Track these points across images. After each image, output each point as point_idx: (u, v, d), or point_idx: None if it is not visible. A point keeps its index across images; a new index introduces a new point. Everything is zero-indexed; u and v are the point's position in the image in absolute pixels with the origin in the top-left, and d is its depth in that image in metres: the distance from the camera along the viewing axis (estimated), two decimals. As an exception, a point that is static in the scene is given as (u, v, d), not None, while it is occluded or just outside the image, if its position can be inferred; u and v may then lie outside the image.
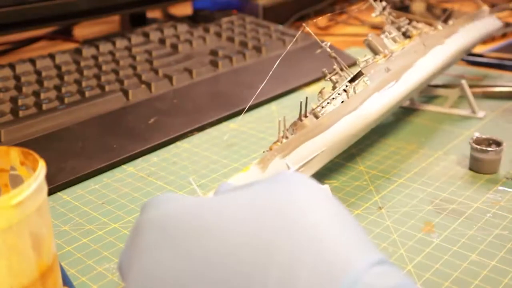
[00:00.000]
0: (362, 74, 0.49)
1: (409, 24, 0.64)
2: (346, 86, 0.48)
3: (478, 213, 0.46)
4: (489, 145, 0.53)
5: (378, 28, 1.03)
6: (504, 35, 0.93)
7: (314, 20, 1.01)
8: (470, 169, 0.53)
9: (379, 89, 0.50)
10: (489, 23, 0.76)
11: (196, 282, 0.27)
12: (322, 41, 0.52)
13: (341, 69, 0.51)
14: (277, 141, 0.44)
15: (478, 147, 0.52)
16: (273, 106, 0.70)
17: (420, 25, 0.65)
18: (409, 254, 0.42)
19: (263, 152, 0.44)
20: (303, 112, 0.47)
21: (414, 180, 0.52)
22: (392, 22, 0.63)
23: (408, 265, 0.41)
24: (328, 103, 0.48)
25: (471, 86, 0.66)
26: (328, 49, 0.52)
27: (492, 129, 0.61)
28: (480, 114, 0.64)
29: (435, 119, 0.64)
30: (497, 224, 0.45)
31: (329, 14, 1.00)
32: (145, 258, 0.29)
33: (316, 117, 0.46)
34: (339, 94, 0.48)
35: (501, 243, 0.43)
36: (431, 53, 0.59)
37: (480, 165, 0.52)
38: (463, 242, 0.43)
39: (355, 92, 0.48)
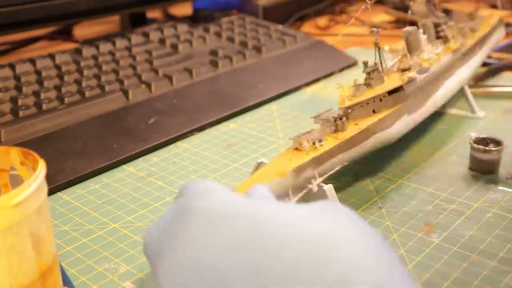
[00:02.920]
0: (403, 89, 0.49)
1: (444, 21, 0.64)
2: (384, 96, 0.49)
3: (478, 213, 0.46)
4: (489, 145, 0.53)
5: (378, 28, 1.03)
6: (505, 35, 0.93)
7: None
8: (470, 169, 0.53)
9: (409, 111, 0.51)
10: (499, 33, 0.76)
11: (244, 283, 0.26)
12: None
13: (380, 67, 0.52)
14: (309, 136, 0.44)
15: (478, 147, 0.52)
16: (273, 106, 0.70)
17: (452, 28, 0.64)
18: (409, 254, 0.42)
19: (290, 138, 0.44)
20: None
21: (414, 180, 0.52)
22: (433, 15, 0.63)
23: (408, 265, 0.41)
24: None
25: (471, 86, 0.66)
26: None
27: (492, 129, 0.61)
28: (481, 114, 0.64)
29: (435, 119, 0.64)
30: (497, 224, 0.45)
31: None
32: (188, 249, 0.28)
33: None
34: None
35: (501, 243, 0.43)
36: (456, 74, 0.59)
37: (480, 165, 0.52)
38: (463, 242, 0.43)
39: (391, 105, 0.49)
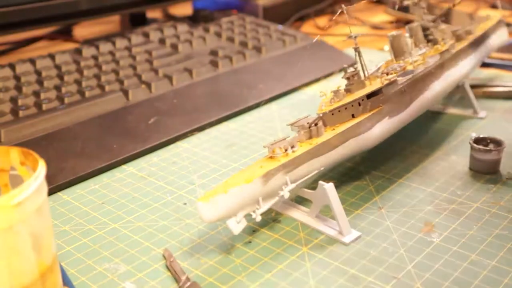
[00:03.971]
0: (381, 93, 0.49)
1: (434, 23, 0.63)
2: (362, 100, 0.48)
3: (478, 213, 0.46)
4: (489, 145, 0.53)
5: (378, 28, 1.04)
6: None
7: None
8: (470, 169, 0.53)
9: (390, 114, 0.50)
10: (502, 34, 0.74)
11: None
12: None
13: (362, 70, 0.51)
14: (280, 142, 0.43)
15: (478, 147, 0.52)
16: (273, 106, 0.70)
17: (445, 30, 0.64)
18: (409, 254, 0.42)
19: (264, 146, 0.43)
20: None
21: (414, 180, 0.52)
22: (423, 17, 0.62)
23: (408, 265, 0.41)
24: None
25: (471, 86, 0.66)
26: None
27: (492, 129, 0.61)
28: (482, 114, 0.64)
29: (435, 119, 0.64)
30: (497, 224, 0.45)
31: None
32: None
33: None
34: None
35: (501, 243, 0.43)
36: (445, 76, 0.58)
37: (480, 165, 0.52)
38: (463, 242, 0.43)
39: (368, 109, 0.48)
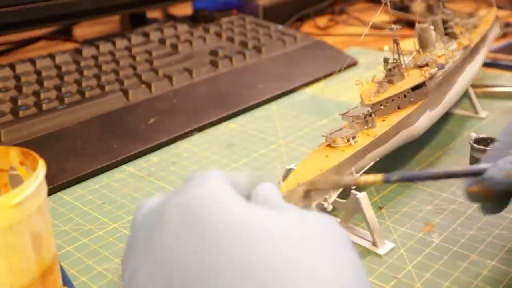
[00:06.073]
0: (425, 85, 0.50)
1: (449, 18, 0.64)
2: (408, 92, 0.50)
3: (478, 213, 0.46)
4: (489, 145, 0.53)
5: (378, 28, 1.03)
6: (504, 35, 0.93)
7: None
8: (470, 169, 0.53)
9: (431, 107, 0.52)
10: (496, 30, 0.76)
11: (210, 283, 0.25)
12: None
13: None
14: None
15: (478, 147, 0.52)
16: (273, 106, 0.70)
17: (458, 24, 0.65)
18: (409, 254, 0.42)
19: (322, 136, 0.45)
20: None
21: (414, 180, 0.52)
22: (442, 12, 0.64)
23: (408, 265, 0.41)
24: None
25: (471, 86, 0.66)
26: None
27: (492, 129, 0.61)
28: (483, 114, 0.64)
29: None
30: (497, 224, 0.45)
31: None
32: (157, 250, 0.27)
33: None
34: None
35: (501, 243, 0.43)
36: (467, 71, 0.60)
37: (480, 165, 0.52)
38: (463, 242, 0.43)
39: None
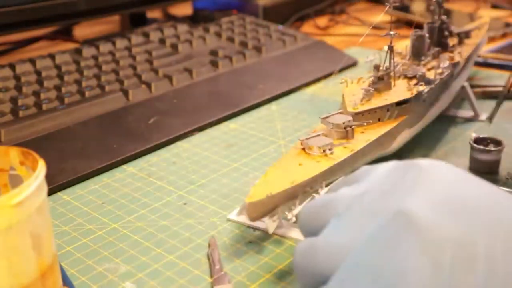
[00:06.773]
0: (409, 102, 0.50)
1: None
2: (391, 106, 0.49)
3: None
4: (489, 145, 0.53)
5: (378, 28, 1.03)
6: (504, 35, 0.93)
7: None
8: (470, 169, 0.53)
9: (410, 125, 0.51)
10: (485, 40, 0.75)
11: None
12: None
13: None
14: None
15: (478, 147, 0.52)
16: (273, 106, 0.70)
17: (453, 33, 0.65)
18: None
19: (299, 140, 0.44)
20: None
21: (414, 180, 0.52)
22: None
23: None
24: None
25: (471, 86, 0.66)
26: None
27: (492, 129, 0.60)
28: (483, 116, 0.63)
29: (435, 119, 0.64)
30: (497, 224, 0.45)
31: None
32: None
33: None
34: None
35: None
36: (453, 86, 0.59)
37: (480, 165, 0.52)
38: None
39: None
